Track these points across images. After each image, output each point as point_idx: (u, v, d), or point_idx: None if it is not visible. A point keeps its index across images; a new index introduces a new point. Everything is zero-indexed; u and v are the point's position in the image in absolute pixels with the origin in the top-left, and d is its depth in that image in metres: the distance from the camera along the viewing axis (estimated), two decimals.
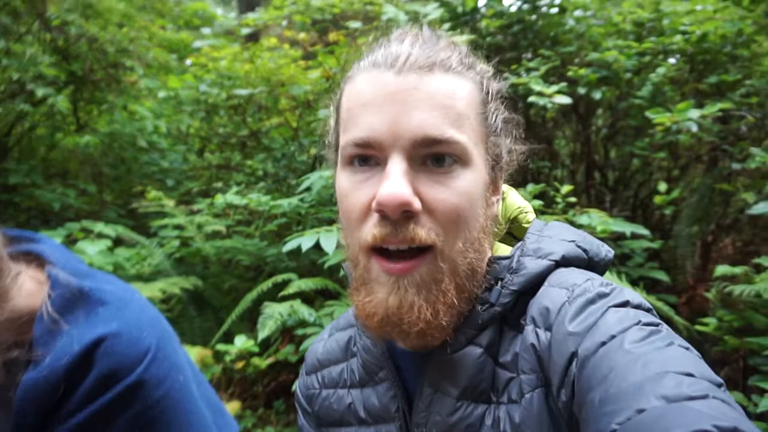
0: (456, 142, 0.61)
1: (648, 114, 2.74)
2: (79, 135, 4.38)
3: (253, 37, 5.05)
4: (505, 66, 3.18)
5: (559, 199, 2.78)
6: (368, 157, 0.63)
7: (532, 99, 2.76)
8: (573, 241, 0.70)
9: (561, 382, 0.58)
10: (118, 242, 3.17)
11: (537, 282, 0.67)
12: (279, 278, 2.78)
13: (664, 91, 3.15)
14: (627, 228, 2.70)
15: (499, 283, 0.67)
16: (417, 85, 0.61)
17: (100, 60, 4.11)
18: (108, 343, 0.83)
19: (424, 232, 0.61)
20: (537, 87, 2.79)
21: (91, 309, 0.87)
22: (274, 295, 2.65)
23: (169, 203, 3.24)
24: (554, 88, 2.79)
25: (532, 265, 0.67)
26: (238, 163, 4.14)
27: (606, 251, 0.73)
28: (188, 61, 4.78)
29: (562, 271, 0.67)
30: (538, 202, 2.67)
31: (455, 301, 0.64)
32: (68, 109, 4.23)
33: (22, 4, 3.76)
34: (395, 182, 0.59)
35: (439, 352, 0.68)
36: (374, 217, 0.62)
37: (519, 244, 0.71)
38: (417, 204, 0.60)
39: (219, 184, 4.03)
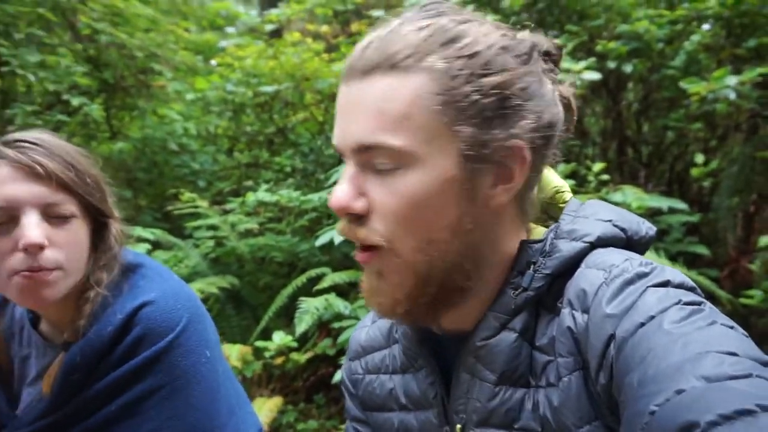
0: (389, 147, 0.60)
1: (682, 84, 2.64)
2: (113, 142, 4.49)
3: (277, 33, 5.07)
4: None
5: (591, 178, 2.72)
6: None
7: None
8: (610, 220, 0.68)
9: (599, 365, 0.57)
10: (156, 245, 3.25)
11: (572, 265, 0.65)
12: (313, 273, 2.81)
13: (698, 60, 3.03)
14: (663, 203, 2.62)
15: (532, 267, 0.66)
16: (356, 94, 0.63)
17: (129, 66, 4.20)
18: (146, 310, 0.94)
19: (365, 232, 0.63)
20: (564, 64, 2.73)
21: (133, 282, 0.99)
22: (308, 289, 2.68)
23: (203, 204, 3.30)
24: (583, 64, 2.72)
25: (566, 248, 0.65)
26: (267, 160, 4.18)
27: (647, 228, 0.70)
28: (213, 62, 4.83)
29: (599, 252, 0.65)
30: (570, 182, 2.62)
31: (416, 293, 0.65)
32: (102, 117, 4.34)
33: (54, 16, 3.86)
34: (338, 187, 0.63)
35: (473, 337, 0.68)
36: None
37: (553, 226, 0.69)
38: (358, 206, 0.63)
39: (249, 183, 4.08)
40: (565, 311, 0.63)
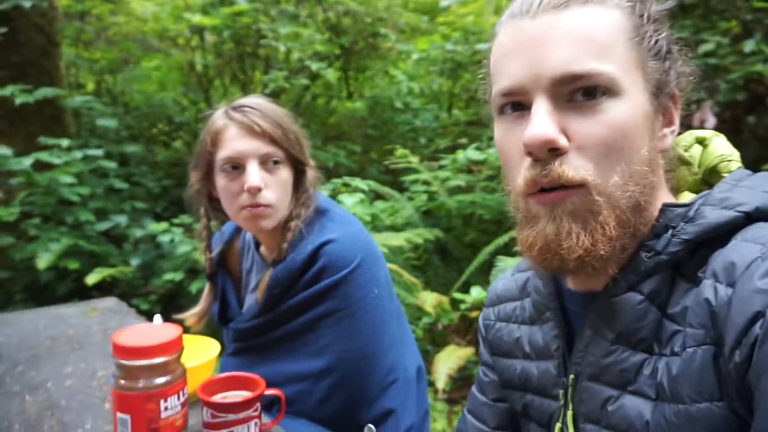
0: (599, 73, 0.59)
1: None
2: (350, 101, 4.98)
3: None
4: None
5: None
6: (517, 103, 0.65)
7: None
8: None
9: (737, 342, 0.52)
10: (378, 196, 3.58)
11: (718, 234, 0.59)
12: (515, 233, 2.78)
13: None
14: None
15: (670, 231, 0.62)
16: (554, 25, 0.61)
17: (362, 31, 4.58)
18: (329, 246, 1.16)
19: (571, 170, 0.60)
20: None
21: (323, 223, 1.22)
22: (510, 249, 2.69)
23: (414, 160, 3.50)
24: None
25: (713, 215, 0.60)
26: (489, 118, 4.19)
27: None
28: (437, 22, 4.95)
29: (759, 225, 0.58)
30: None
31: (615, 233, 0.61)
32: (340, 79, 4.83)
33: None
34: (538, 122, 0.60)
35: (602, 294, 0.67)
36: (527, 161, 0.63)
37: (705, 192, 0.63)
38: (562, 141, 0.60)
39: (464, 140, 4.16)
40: (707, 282, 0.58)
